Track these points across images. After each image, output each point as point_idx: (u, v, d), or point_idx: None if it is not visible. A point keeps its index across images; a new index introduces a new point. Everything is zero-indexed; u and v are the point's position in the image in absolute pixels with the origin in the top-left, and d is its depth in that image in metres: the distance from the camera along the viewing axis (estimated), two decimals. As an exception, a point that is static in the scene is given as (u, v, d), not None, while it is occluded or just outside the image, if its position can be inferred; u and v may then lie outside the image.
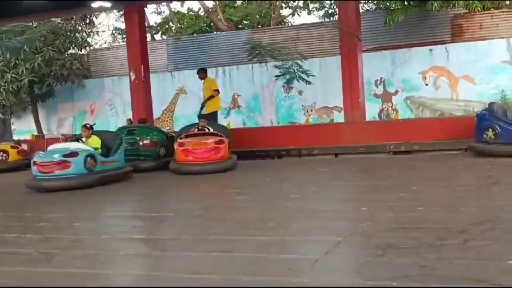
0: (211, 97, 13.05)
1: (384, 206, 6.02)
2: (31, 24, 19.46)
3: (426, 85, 16.49)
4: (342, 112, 13.99)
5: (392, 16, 15.52)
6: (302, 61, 16.99)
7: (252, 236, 5.08)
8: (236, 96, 18.70)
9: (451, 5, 15.22)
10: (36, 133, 19.16)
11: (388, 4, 15.91)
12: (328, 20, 22.36)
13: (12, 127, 18.03)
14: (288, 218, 5.88)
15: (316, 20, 23.37)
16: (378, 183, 8.07)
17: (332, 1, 22.91)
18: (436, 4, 14.76)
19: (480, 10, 15.70)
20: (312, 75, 16.89)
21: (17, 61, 18.51)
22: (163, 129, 15.05)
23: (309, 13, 24.25)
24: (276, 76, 17.46)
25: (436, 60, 16.33)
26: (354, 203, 6.86)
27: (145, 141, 11.83)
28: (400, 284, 3.49)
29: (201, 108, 13.26)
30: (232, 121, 17.73)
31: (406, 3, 15.81)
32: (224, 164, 10.46)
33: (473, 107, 15.37)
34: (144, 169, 11.34)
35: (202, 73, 13.51)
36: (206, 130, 11.31)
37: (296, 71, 16.98)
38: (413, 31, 16.52)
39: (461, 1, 15.06)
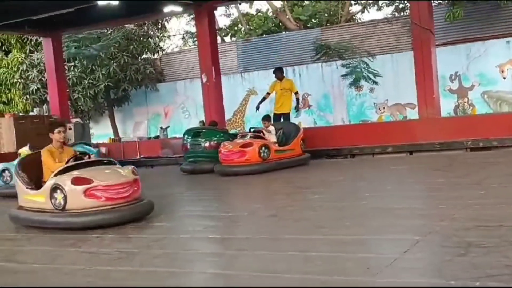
0: (297, 99, 13.33)
1: (463, 204, 5.84)
2: (105, 31, 20.13)
3: (504, 78, 15.86)
4: (416, 109, 13.69)
5: (453, 11, 15.09)
6: (370, 60, 16.79)
7: (328, 235, 5.04)
8: (306, 96, 18.64)
9: None
10: (113, 137, 19.78)
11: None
12: (399, 15, 21.96)
13: (91, 131, 18.65)
14: (364, 216, 5.81)
15: (387, 15, 22.97)
16: (456, 180, 7.84)
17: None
18: None
19: None
20: (379, 76, 16.70)
21: (93, 67, 19.19)
22: (235, 131, 15.18)
23: (379, 9, 23.90)
24: (342, 75, 17.34)
25: (514, 52, 15.70)
26: (431, 201, 6.69)
27: (210, 143, 12.00)
28: (484, 284, 3.38)
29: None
30: (302, 120, 17.67)
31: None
32: (256, 167, 10.54)
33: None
34: (201, 170, 11.54)
35: (280, 73, 13.54)
36: (265, 133, 11.39)
37: (362, 70, 16.80)
38: (488, 23, 15.95)
39: None
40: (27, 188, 6.75)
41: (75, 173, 6.31)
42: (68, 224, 6.20)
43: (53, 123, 7.35)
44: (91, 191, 6.15)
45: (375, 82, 16.71)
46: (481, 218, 5.17)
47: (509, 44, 15.72)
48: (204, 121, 15.28)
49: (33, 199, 6.64)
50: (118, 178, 6.39)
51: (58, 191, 6.18)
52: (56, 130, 6.96)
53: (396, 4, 23.41)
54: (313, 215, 5.96)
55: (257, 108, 13.68)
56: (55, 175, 6.37)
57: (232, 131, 15.24)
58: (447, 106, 15.35)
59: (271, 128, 11.63)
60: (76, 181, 6.18)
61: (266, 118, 11.93)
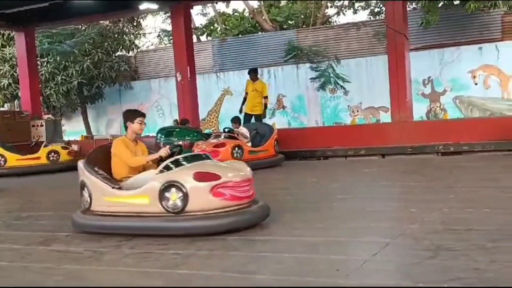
0: (265, 105, 13.40)
1: (433, 207, 5.92)
2: (80, 27, 19.92)
3: (476, 84, 16.13)
4: (389, 112, 13.83)
5: (426, 17, 15.30)
6: (337, 64, 17.07)
7: (301, 237, 5.07)
8: (281, 97, 18.71)
9: (494, 5, 14.76)
10: (85, 134, 19.59)
11: (421, 4, 15.64)
12: (374, 18, 22.17)
13: (63, 128, 18.43)
14: (336, 218, 5.86)
15: (362, 19, 23.16)
16: (427, 184, 7.95)
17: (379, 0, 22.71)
18: (472, 6, 14.40)
19: None
20: (348, 81, 16.93)
21: (67, 63, 18.98)
22: (209, 130, 15.18)
23: (355, 12, 24.09)
24: (311, 78, 17.52)
25: (486, 58, 15.95)
26: (402, 204, 6.78)
27: (183, 143, 11.96)
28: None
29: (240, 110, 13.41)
30: (277, 121, 17.73)
31: (440, 4, 15.58)
32: None
33: (525, 106, 14.98)
34: None
35: (254, 74, 13.54)
36: (237, 135, 11.42)
37: (330, 74, 17.05)
38: (461, 29, 16.20)
39: (500, 1, 14.61)
40: (113, 188, 5.57)
41: (195, 167, 5.32)
42: (190, 229, 5.18)
43: (132, 111, 6.13)
44: (218, 189, 5.14)
45: (343, 87, 16.99)
46: (451, 221, 5.26)
47: (481, 50, 15.99)
48: (178, 120, 15.24)
49: (126, 201, 5.45)
50: (241, 174, 5.42)
51: (173, 189, 5.12)
52: (137, 120, 5.91)
53: (372, 7, 23.62)
54: (286, 217, 5.99)
55: (240, 110, 13.66)
56: (157, 171, 5.39)
57: (206, 131, 15.22)
58: (419, 110, 15.56)
59: (243, 129, 11.66)
60: (200, 176, 5.15)
61: (235, 119, 11.96)
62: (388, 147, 12.01)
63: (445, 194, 6.74)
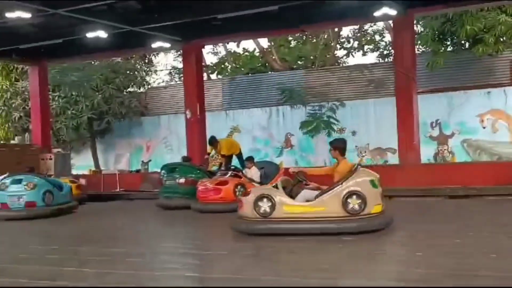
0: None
1: (439, 251, 5.90)
2: (92, 62, 20.20)
3: (484, 128, 16.15)
4: (396, 154, 13.84)
5: (433, 60, 15.45)
6: (338, 107, 17.34)
7: (305, 279, 5.05)
8: (289, 136, 18.78)
9: (501, 50, 14.93)
10: (93, 168, 19.67)
11: (429, 48, 15.83)
12: (383, 61, 22.38)
13: (72, 162, 18.53)
14: (341, 260, 5.83)
15: (371, 61, 23.36)
16: (434, 227, 7.90)
17: (388, 43, 22.96)
18: (481, 49, 14.56)
19: None
20: (341, 127, 17.38)
21: (77, 98, 19.16)
22: (215, 167, 15.18)
23: (364, 54, 24.33)
24: (301, 122, 18.10)
25: (494, 103, 16.02)
26: (408, 247, 6.73)
27: (182, 179, 12.00)
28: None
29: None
30: (284, 160, 17.75)
31: (450, 47, 15.77)
32: (231, 205, 9.81)
33: (533, 151, 14.96)
34: (176, 206, 11.47)
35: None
36: (247, 172, 11.52)
37: (324, 118, 17.40)
38: (470, 73, 16.33)
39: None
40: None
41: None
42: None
43: None
44: None
45: (333, 130, 17.60)
46: (457, 267, 5.22)
47: (490, 95, 16.06)
48: (187, 156, 15.30)
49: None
50: None
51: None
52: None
53: (381, 50, 23.86)
54: (291, 257, 5.96)
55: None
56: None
57: (213, 168, 15.25)
58: (427, 152, 15.55)
59: (254, 168, 11.69)
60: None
61: (248, 159, 12.01)
62: (395, 189, 11.96)
63: (452, 239, 6.70)
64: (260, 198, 7.31)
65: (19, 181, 11.23)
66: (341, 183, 7.29)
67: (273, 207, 7.26)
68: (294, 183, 7.64)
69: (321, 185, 7.70)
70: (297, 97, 18.41)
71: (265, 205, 7.28)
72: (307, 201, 7.37)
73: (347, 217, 7.14)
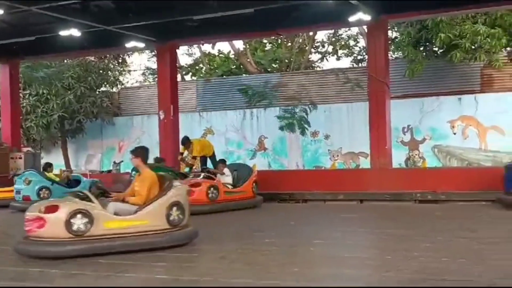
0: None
1: (408, 255, 5.95)
2: (64, 61, 19.96)
3: (454, 134, 16.39)
4: (369, 158, 13.95)
5: (411, 67, 15.61)
6: (311, 109, 17.54)
7: (275, 280, 5.05)
8: (262, 139, 18.80)
9: (474, 58, 15.15)
10: (64, 168, 19.40)
11: (407, 55, 16.04)
12: (357, 66, 22.56)
13: (42, 161, 18.24)
14: (312, 263, 5.86)
15: (345, 65, 23.56)
16: (404, 231, 7.98)
17: (362, 48, 23.17)
18: (458, 55, 14.75)
19: (502, 65, 15.56)
20: (314, 131, 17.97)
21: (48, 96, 18.89)
22: (188, 169, 15.13)
23: (338, 58, 24.51)
24: (277, 116, 18.32)
25: (465, 109, 16.26)
26: (378, 251, 6.78)
27: None
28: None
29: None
30: (257, 163, 17.76)
31: (425, 54, 15.96)
32: (203, 207, 10.31)
33: (502, 158, 15.20)
34: None
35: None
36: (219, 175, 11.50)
37: (297, 118, 17.86)
38: (442, 80, 16.52)
39: (483, 55, 14.99)
40: None
41: None
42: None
43: None
44: None
45: (307, 129, 17.89)
46: (425, 271, 5.27)
47: (461, 101, 16.29)
48: (160, 157, 15.19)
49: None
50: None
51: None
52: None
53: (355, 55, 24.06)
54: (262, 259, 5.96)
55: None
56: None
57: (186, 169, 15.17)
58: (398, 157, 15.72)
59: (226, 170, 11.68)
60: None
61: (221, 161, 11.98)
62: (366, 193, 12.09)
63: (421, 243, 6.77)
64: (74, 214, 6.34)
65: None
66: (165, 193, 6.92)
67: (90, 223, 6.39)
68: (96, 195, 6.91)
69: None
70: (264, 99, 18.55)
71: (79, 222, 6.34)
72: (116, 214, 6.72)
73: (169, 230, 6.82)
